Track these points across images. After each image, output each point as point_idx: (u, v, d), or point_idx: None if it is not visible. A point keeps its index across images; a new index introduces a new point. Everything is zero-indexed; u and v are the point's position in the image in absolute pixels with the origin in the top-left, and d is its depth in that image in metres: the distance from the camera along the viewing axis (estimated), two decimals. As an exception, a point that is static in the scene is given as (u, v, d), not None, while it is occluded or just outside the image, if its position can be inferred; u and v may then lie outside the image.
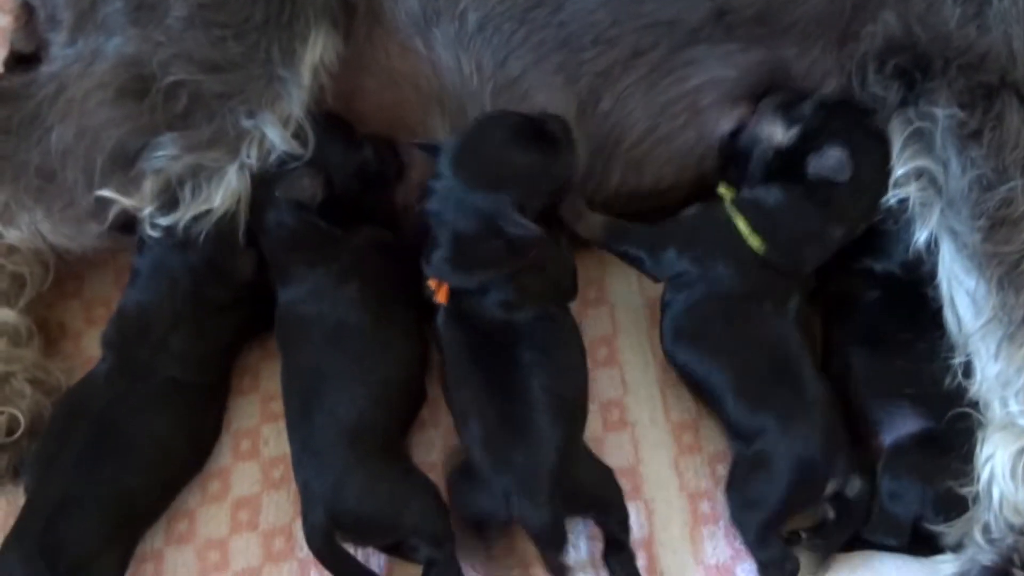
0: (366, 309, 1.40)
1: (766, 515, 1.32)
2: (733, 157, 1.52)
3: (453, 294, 1.37)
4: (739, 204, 1.45)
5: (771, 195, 1.44)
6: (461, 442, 1.35)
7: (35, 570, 1.25)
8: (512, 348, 1.35)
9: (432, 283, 1.38)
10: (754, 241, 1.41)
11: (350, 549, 1.31)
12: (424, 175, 1.52)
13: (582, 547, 1.36)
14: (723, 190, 1.50)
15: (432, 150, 1.41)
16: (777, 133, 1.47)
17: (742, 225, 1.42)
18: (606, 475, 1.34)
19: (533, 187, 1.38)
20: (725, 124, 1.52)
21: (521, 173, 1.37)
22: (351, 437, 1.31)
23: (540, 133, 1.40)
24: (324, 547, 1.28)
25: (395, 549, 1.33)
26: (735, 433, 1.39)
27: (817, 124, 1.45)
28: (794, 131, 1.46)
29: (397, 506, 1.29)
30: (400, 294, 1.45)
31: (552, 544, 1.27)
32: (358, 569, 1.30)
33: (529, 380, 1.32)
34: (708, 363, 1.40)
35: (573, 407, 1.35)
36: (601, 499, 1.32)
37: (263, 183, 1.44)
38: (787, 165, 1.45)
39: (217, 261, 1.45)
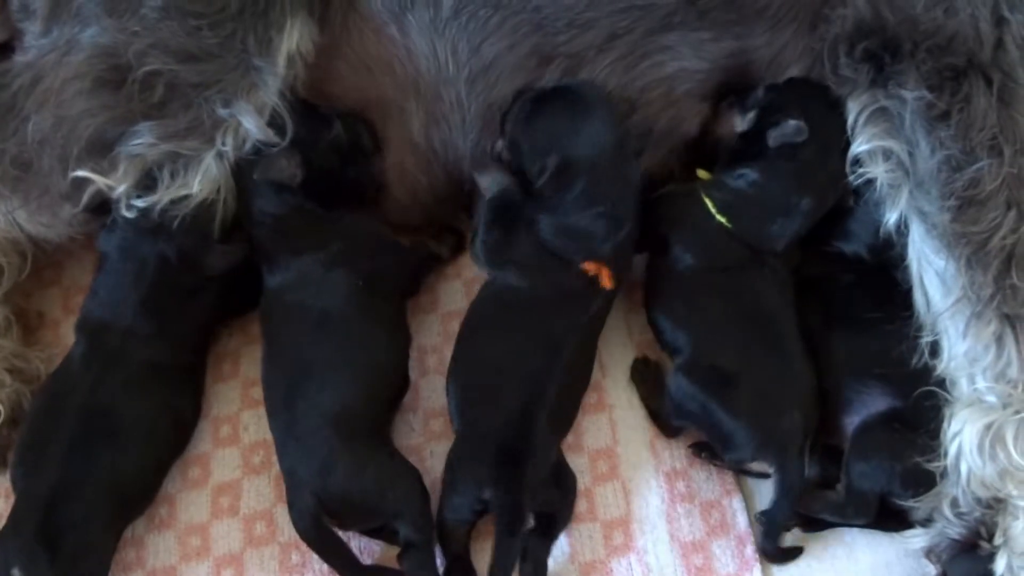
0: (352, 297, 1.41)
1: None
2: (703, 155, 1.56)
3: None
4: (705, 187, 1.49)
5: (735, 177, 1.47)
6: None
7: (34, 558, 1.25)
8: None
9: (591, 267, 1.40)
10: (722, 218, 1.45)
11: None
12: (402, 155, 1.54)
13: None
14: (701, 173, 1.54)
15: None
16: (737, 124, 1.51)
17: (709, 204, 1.46)
18: None
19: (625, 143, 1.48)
20: (694, 121, 1.54)
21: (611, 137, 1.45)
22: (336, 423, 1.32)
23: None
24: (312, 530, 1.29)
25: (375, 531, 1.35)
26: None
27: (771, 104, 1.49)
28: (751, 115, 1.50)
29: (382, 490, 1.30)
30: (386, 281, 1.46)
31: None
32: (344, 552, 1.31)
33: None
34: (677, 329, 1.43)
35: None
36: None
37: (244, 172, 1.45)
38: (749, 146, 1.49)
39: (188, 251, 1.45)
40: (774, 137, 1.45)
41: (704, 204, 1.46)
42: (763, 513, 1.35)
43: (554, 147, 1.42)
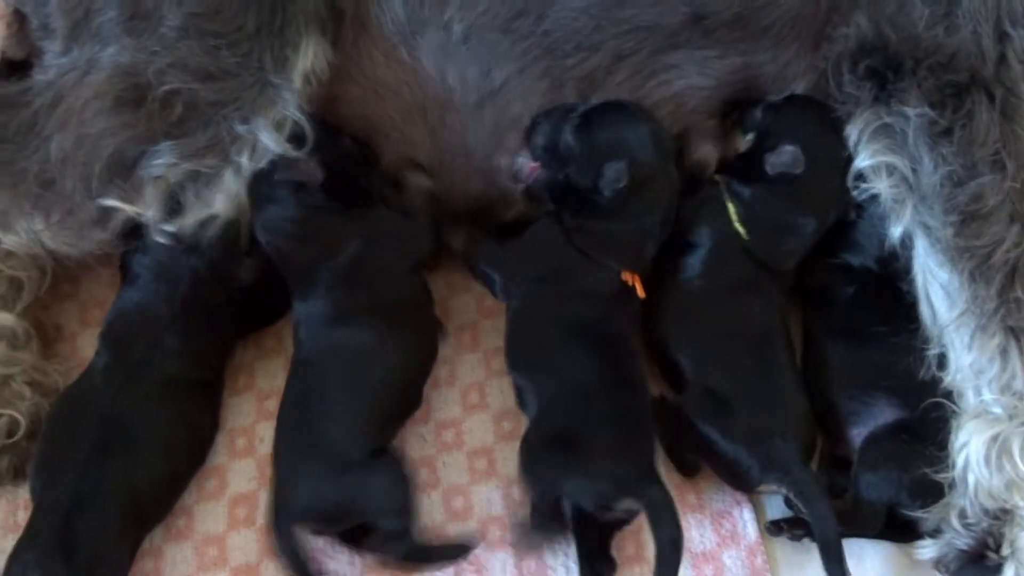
0: (376, 317, 1.42)
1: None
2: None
3: None
4: (729, 192, 1.50)
5: (747, 192, 1.49)
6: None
7: (50, 567, 1.26)
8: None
9: (628, 277, 1.42)
10: (740, 229, 1.47)
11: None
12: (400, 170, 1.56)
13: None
14: (717, 178, 1.56)
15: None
16: (738, 143, 1.54)
17: (732, 211, 1.48)
18: None
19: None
20: (706, 132, 1.56)
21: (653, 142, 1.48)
22: (340, 438, 1.34)
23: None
24: (285, 537, 1.29)
25: (363, 540, 1.35)
26: None
27: (768, 125, 1.51)
28: (750, 136, 1.53)
29: (359, 490, 1.32)
30: (410, 289, 1.48)
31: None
32: (307, 569, 1.31)
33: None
34: (678, 348, 1.45)
35: None
36: None
37: (260, 181, 1.47)
38: (748, 167, 1.51)
39: (219, 265, 1.48)
40: (771, 164, 1.47)
41: (727, 210, 1.48)
42: (819, 547, 1.31)
43: (617, 154, 1.44)
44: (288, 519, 1.30)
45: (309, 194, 1.47)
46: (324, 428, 1.35)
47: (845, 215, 1.51)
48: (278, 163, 1.46)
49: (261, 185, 1.47)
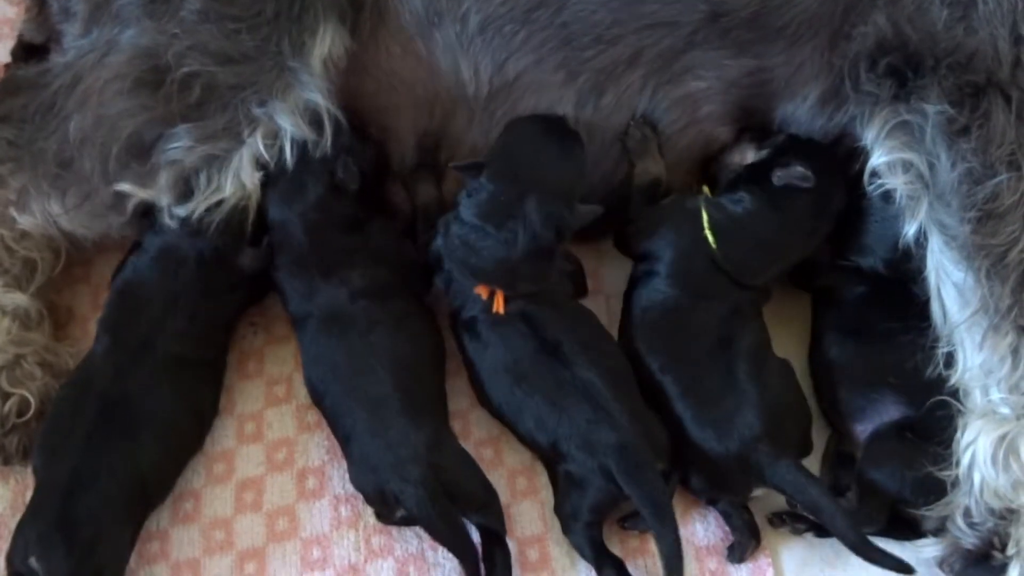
0: (391, 303, 1.47)
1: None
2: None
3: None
4: (707, 202, 1.51)
5: (736, 200, 1.50)
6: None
7: (51, 545, 1.27)
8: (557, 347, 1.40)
9: (483, 291, 1.41)
10: (710, 237, 1.46)
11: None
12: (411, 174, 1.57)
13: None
14: (705, 189, 1.57)
15: (474, 168, 1.45)
16: (748, 156, 1.55)
17: (705, 218, 1.48)
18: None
19: (574, 183, 1.46)
20: (715, 143, 1.57)
21: (564, 172, 1.46)
22: (412, 414, 1.36)
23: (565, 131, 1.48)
24: (430, 505, 1.30)
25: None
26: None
27: (786, 147, 1.52)
28: (764, 152, 1.53)
29: (481, 477, 1.36)
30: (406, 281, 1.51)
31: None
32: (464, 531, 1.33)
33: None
34: (653, 357, 1.44)
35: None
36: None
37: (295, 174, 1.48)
38: (754, 176, 1.52)
39: (224, 250, 1.49)
40: (779, 176, 1.48)
41: (700, 217, 1.48)
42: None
43: (494, 158, 1.46)
44: (422, 480, 1.31)
45: (344, 195, 1.49)
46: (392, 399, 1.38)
47: (816, 254, 1.53)
48: (339, 164, 1.48)
49: (299, 174, 1.48)
